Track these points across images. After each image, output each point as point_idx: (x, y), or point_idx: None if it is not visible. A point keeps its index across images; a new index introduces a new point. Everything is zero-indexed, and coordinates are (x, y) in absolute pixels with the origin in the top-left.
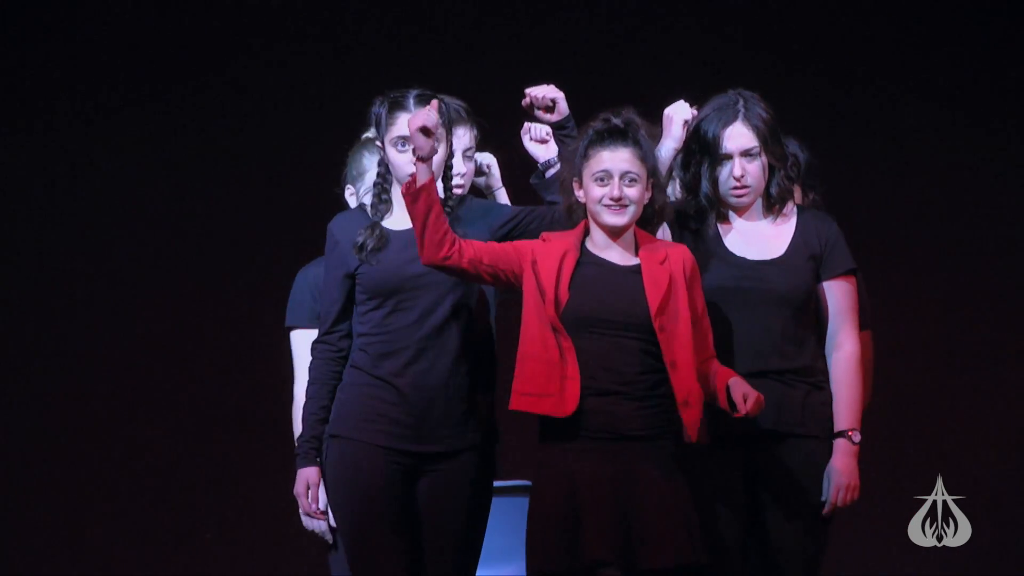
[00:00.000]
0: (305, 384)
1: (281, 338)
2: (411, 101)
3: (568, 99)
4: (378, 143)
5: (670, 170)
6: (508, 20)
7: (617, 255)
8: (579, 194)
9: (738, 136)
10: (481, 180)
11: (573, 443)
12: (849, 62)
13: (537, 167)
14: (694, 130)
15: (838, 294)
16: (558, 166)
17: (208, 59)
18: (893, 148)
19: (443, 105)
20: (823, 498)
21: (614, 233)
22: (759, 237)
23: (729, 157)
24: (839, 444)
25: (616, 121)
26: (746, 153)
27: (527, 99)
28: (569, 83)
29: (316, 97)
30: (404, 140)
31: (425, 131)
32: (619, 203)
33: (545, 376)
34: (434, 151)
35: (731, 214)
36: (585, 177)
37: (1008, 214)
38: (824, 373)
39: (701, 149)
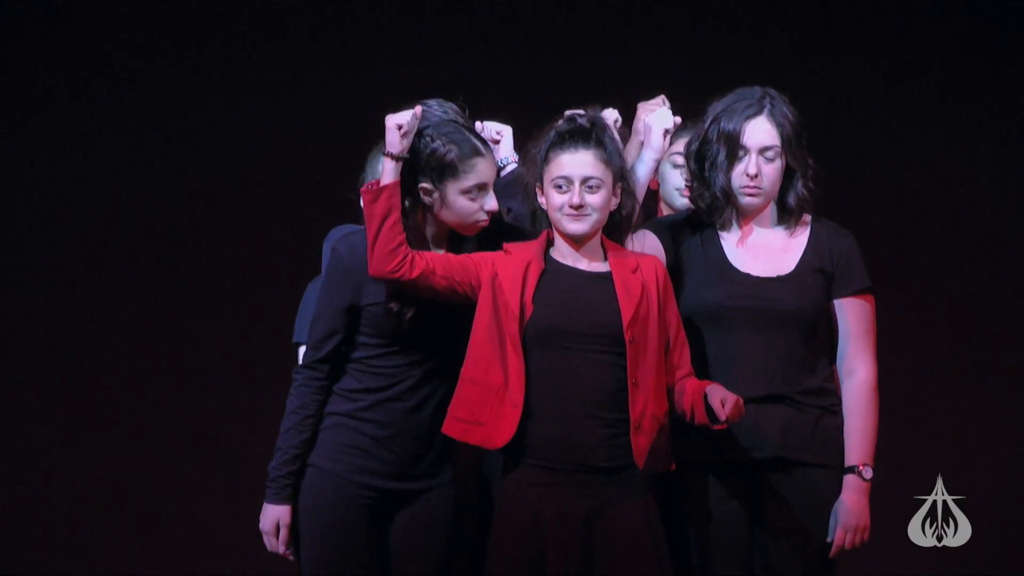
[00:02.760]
0: None
1: (277, 354)
2: (479, 145)
3: (562, 95)
4: (424, 186)
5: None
6: (514, 20)
7: (584, 263)
8: (541, 200)
9: (759, 131)
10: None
11: (539, 476)
12: (848, 57)
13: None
14: (713, 120)
15: (851, 314)
16: (512, 166)
17: (209, 63)
18: (892, 146)
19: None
20: (828, 539)
21: (578, 241)
22: (767, 251)
23: (746, 152)
24: (849, 480)
25: (581, 121)
26: (765, 150)
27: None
28: (561, 78)
29: (323, 101)
30: (479, 188)
31: (400, 129)
32: (580, 211)
33: (480, 402)
34: (404, 153)
35: (737, 223)
36: (545, 182)
37: (1008, 213)
38: (839, 396)
39: (719, 140)
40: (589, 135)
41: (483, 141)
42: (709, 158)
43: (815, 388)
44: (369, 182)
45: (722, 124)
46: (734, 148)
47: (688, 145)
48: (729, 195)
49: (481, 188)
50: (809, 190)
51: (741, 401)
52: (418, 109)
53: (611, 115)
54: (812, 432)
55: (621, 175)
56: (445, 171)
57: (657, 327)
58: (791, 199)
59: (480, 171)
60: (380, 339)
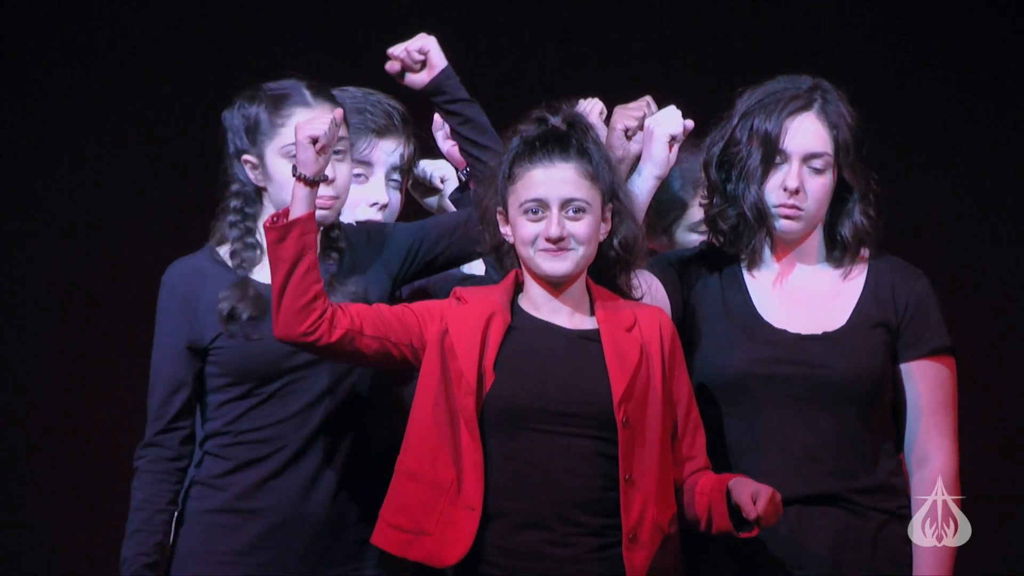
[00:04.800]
0: None
1: None
2: (307, 94)
3: (546, 84)
4: (247, 158)
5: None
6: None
7: (564, 316)
8: (506, 231)
9: (805, 132)
10: (433, 200)
11: None
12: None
13: (457, 175)
14: (744, 115)
15: (923, 382)
16: None
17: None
18: (892, 141)
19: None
20: None
21: (556, 286)
22: (810, 298)
23: (785, 159)
24: None
25: (554, 121)
26: (810, 158)
27: (394, 63)
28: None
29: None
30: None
31: (316, 143)
32: (560, 245)
33: (425, 506)
34: (321, 174)
35: (771, 254)
36: (512, 207)
37: (1009, 211)
38: (909, 496)
39: (750, 140)
40: (568, 142)
41: (325, 97)
42: (737, 164)
43: (877, 485)
44: (273, 214)
45: (756, 121)
46: (770, 152)
47: (708, 148)
48: (762, 215)
49: None
50: (870, 218)
51: (778, 496)
52: (339, 113)
53: (594, 107)
54: (874, 544)
55: (613, 193)
56: (259, 128)
57: (661, 405)
58: (846, 229)
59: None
60: (241, 385)
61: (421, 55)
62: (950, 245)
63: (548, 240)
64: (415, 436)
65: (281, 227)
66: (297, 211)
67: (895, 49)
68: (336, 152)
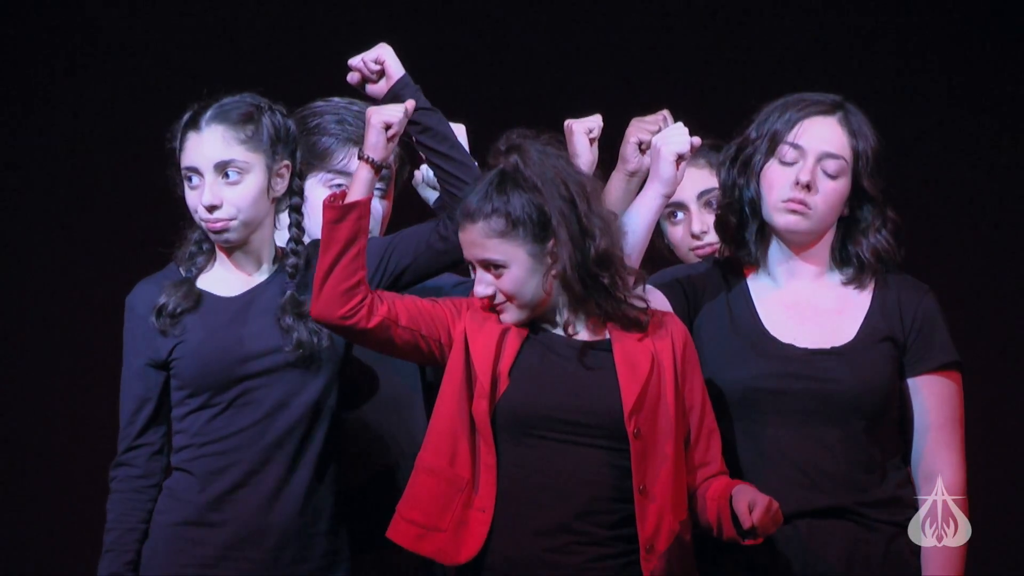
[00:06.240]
0: None
1: None
2: (204, 117)
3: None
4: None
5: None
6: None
7: (574, 328)
8: None
9: (824, 132)
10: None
11: None
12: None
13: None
14: (761, 118)
15: (931, 397)
16: None
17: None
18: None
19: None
20: None
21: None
22: (816, 312)
23: (801, 155)
24: None
25: (504, 160)
26: (826, 158)
27: (354, 74)
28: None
29: None
30: (193, 172)
31: (388, 129)
32: (494, 306)
33: (440, 502)
34: (386, 160)
35: (775, 269)
36: None
37: (1007, 214)
38: (917, 508)
39: (763, 137)
40: (482, 202)
41: (220, 120)
42: (745, 161)
43: (887, 498)
44: (333, 193)
45: (772, 121)
46: (775, 145)
47: (726, 150)
48: (755, 209)
49: (194, 172)
50: (889, 243)
51: (776, 505)
52: (410, 104)
53: (582, 125)
54: (884, 557)
55: (542, 224)
56: (176, 146)
57: (673, 412)
58: (864, 248)
59: (188, 150)
60: (199, 396)
61: (377, 64)
62: (952, 259)
63: (482, 302)
64: (436, 432)
65: (340, 207)
66: (357, 193)
67: (912, 67)
68: (227, 176)
